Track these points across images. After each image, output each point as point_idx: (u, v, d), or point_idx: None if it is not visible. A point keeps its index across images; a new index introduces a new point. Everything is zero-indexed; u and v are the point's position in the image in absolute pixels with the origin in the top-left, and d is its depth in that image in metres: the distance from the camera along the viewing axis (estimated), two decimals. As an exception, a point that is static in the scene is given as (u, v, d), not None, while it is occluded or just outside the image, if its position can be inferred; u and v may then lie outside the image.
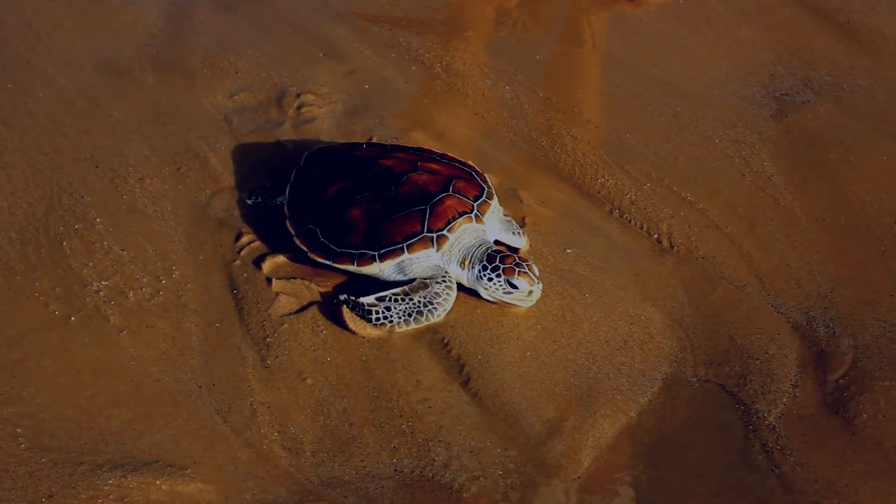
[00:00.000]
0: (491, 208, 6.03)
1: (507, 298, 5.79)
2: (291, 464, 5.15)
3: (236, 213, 6.48)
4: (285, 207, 6.22)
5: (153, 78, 7.65)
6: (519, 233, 6.24)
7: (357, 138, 7.09)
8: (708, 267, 6.31)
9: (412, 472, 5.12)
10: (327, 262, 5.93)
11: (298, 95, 7.51)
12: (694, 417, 5.46)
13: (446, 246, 5.85)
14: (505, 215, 6.26)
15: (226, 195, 6.60)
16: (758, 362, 5.70)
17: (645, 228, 6.57)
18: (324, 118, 7.30)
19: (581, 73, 8.13)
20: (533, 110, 7.55)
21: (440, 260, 5.87)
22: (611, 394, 5.51)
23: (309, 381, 5.50)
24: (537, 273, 5.78)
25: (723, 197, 6.82)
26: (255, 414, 5.36)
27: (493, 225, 6.08)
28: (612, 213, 6.70)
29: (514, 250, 6.13)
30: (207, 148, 6.96)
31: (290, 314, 5.81)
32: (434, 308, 5.73)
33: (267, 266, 6.07)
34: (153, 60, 7.83)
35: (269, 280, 5.99)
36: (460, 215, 5.88)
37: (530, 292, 5.75)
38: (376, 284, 5.93)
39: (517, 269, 5.72)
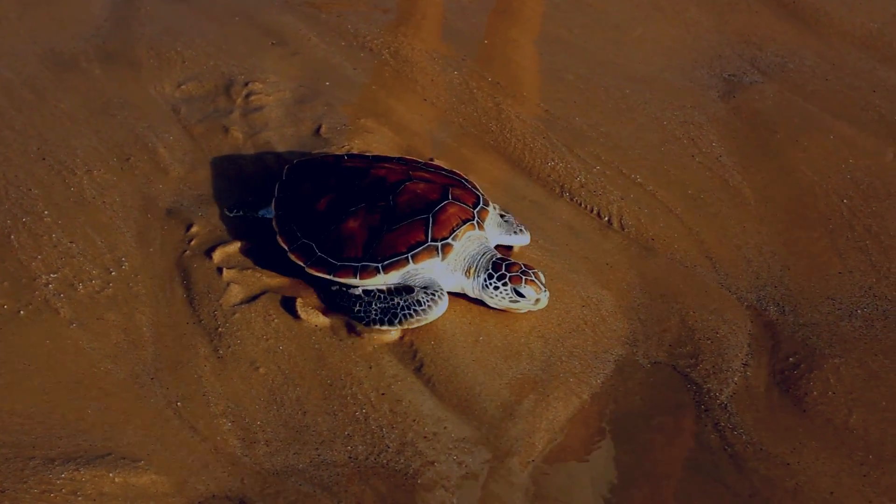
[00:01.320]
0: (490, 215, 5.97)
1: (513, 307, 5.73)
2: (245, 453, 5.14)
3: (186, 203, 6.44)
4: (273, 223, 6.07)
5: (99, 69, 7.59)
6: (521, 230, 6.17)
7: (306, 126, 7.07)
8: (658, 248, 6.34)
9: (366, 458, 5.12)
10: (327, 277, 5.80)
11: (246, 84, 7.48)
12: (646, 398, 5.49)
13: (451, 255, 5.75)
14: (502, 213, 6.22)
15: (175, 185, 6.57)
16: (709, 342, 5.74)
17: (595, 211, 6.58)
18: (272, 106, 7.27)
19: (528, 56, 8.13)
20: (482, 95, 7.55)
21: (445, 269, 5.78)
22: (564, 377, 5.52)
23: (262, 370, 5.49)
24: (543, 280, 5.72)
25: (672, 178, 6.85)
26: (208, 404, 5.34)
27: (492, 231, 6.02)
28: (562, 196, 6.71)
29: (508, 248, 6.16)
30: (156, 138, 6.92)
31: (242, 303, 5.79)
32: (410, 315, 5.63)
33: (217, 256, 6.04)
34: (99, 51, 7.78)
35: (219, 270, 5.96)
36: (464, 223, 5.79)
37: (537, 300, 5.68)
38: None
39: (524, 278, 5.64)
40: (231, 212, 6.35)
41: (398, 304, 5.65)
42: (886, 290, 6.01)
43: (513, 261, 5.76)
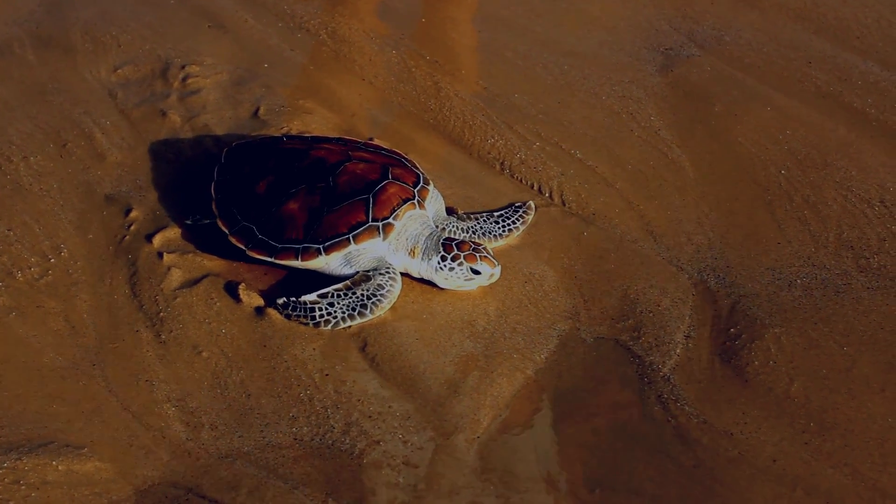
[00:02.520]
0: (430, 194, 5.96)
1: (467, 285, 5.76)
2: (190, 438, 5.12)
3: (125, 188, 6.41)
4: (213, 206, 6.03)
5: (34, 54, 7.52)
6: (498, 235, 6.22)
7: (244, 108, 7.04)
8: (600, 223, 6.36)
9: (312, 439, 5.11)
10: (269, 259, 5.78)
11: (183, 67, 7.43)
12: (590, 372, 5.51)
13: (393, 234, 5.74)
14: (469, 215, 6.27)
15: (113, 170, 6.53)
16: (651, 315, 5.77)
17: (536, 187, 6.60)
18: (210, 89, 7.23)
19: (466, 34, 8.12)
20: (421, 74, 7.54)
21: (386, 249, 5.78)
22: (507, 353, 5.54)
23: (204, 353, 5.47)
24: (493, 253, 5.78)
25: (612, 153, 6.87)
26: (151, 390, 5.32)
27: (432, 210, 6.01)
28: (502, 172, 6.72)
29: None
30: (92, 123, 6.87)
31: (183, 287, 5.77)
32: (379, 300, 5.62)
33: (158, 240, 6.02)
34: (33, 36, 7.71)
35: (160, 254, 5.93)
36: (404, 202, 5.78)
37: (492, 275, 5.73)
38: (299, 275, 5.90)
39: (477, 255, 5.68)
40: (190, 219, 6.20)
41: (363, 294, 5.63)
42: (825, 260, 6.06)
43: (459, 239, 5.77)
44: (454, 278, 5.72)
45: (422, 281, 5.84)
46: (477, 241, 6.02)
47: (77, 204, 6.29)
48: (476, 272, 5.68)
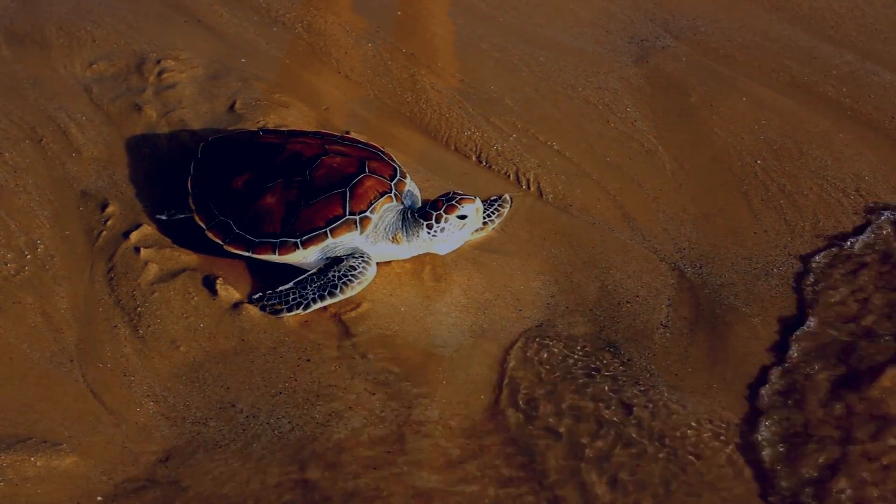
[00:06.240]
0: (407, 187, 5.96)
1: (464, 235, 5.78)
2: (169, 432, 5.11)
3: (101, 183, 6.39)
4: (190, 201, 6.02)
5: (7, 50, 7.50)
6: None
7: (220, 103, 7.03)
8: (577, 213, 6.37)
9: (292, 431, 5.11)
10: (246, 254, 5.77)
11: (158, 61, 7.41)
12: (566, 362, 5.51)
13: (370, 228, 5.75)
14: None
15: (89, 166, 6.51)
16: (628, 305, 5.78)
17: (513, 179, 6.61)
18: (185, 83, 7.21)
19: (442, 26, 8.12)
20: (397, 67, 7.54)
21: (364, 242, 5.78)
22: (484, 343, 5.54)
23: (182, 348, 5.47)
24: (461, 191, 5.78)
25: (589, 144, 6.88)
26: (129, 384, 5.31)
27: (409, 203, 5.95)
28: (479, 164, 6.73)
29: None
30: (68, 118, 6.85)
31: (161, 282, 5.75)
32: (349, 280, 5.62)
33: (135, 235, 6.00)
34: (7, 32, 7.68)
35: (137, 249, 5.92)
36: (381, 195, 5.79)
37: (477, 209, 5.71)
38: (273, 269, 5.88)
39: (455, 201, 5.67)
40: (164, 215, 6.20)
41: (333, 276, 5.64)
42: (801, 248, 6.08)
43: (431, 200, 5.78)
44: (449, 234, 5.72)
45: (395, 268, 5.86)
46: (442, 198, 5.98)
47: (53, 200, 6.28)
48: (464, 216, 5.68)
